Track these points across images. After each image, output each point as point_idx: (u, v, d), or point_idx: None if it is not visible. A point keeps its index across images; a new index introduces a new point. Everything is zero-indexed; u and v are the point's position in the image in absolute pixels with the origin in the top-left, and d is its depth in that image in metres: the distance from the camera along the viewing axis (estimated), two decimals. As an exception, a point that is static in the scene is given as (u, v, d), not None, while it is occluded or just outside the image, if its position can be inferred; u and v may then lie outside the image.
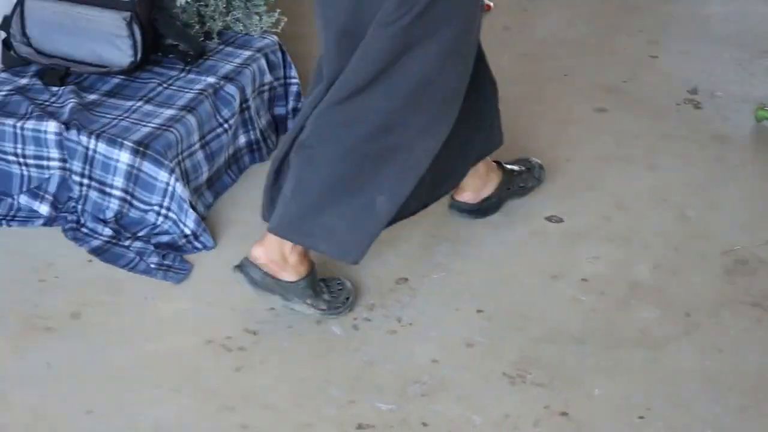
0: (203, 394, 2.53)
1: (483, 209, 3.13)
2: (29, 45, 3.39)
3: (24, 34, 3.39)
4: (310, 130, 2.65)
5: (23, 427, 2.44)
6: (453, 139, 2.73)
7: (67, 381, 2.57)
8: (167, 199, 3.06)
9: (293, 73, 3.60)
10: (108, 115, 3.18)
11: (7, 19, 3.40)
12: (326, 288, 2.77)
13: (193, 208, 3.06)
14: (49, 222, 3.12)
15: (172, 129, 3.12)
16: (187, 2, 3.48)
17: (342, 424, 2.45)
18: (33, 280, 2.91)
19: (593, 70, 4.02)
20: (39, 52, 3.39)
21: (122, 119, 3.17)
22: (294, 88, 3.60)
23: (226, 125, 3.29)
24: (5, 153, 3.16)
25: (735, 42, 4.24)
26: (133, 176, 3.06)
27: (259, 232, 2.84)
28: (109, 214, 3.09)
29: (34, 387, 2.55)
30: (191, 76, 3.38)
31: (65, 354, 2.65)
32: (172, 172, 3.05)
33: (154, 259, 2.96)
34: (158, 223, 3.08)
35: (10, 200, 3.17)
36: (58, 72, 3.34)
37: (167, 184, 3.05)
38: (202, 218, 3.09)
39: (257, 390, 2.55)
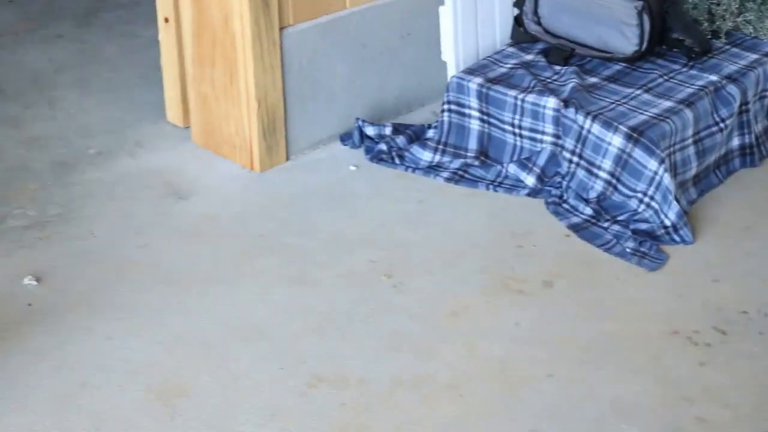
0: (663, 381, 2.50)
1: None
2: (539, 24, 3.50)
3: (535, 12, 3.50)
4: None
5: (489, 377, 2.53)
6: None
7: (532, 342, 2.63)
8: (652, 188, 3.05)
9: (798, 82, 3.47)
10: (606, 99, 3.22)
11: (522, -2, 3.54)
12: None
13: (677, 201, 3.03)
14: (532, 193, 3.21)
15: (668, 120, 3.10)
16: (699, -1, 3.47)
17: (805, 440, 2.34)
18: (512, 245, 3.00)
19: None
20: (547, 32, 3.49)
21: (619, 104, 3.19)
22: (796, 97, 3.47)
23: (722, 125, 3.23)
24: (503, 122, 3.28)
25: None
26: (622, 161, 3.08)
27: (741, 233, 2.75)
28: (592, 195, 3.13)
29: (501, 342, 2.63)
30: (693, 71, 3.34)
31: (534, 317, 2.72)
32: (662, 162, 3.03)
33: (630, 243, 2.96)
34: (639, 210, 3.07)
35: (499, 167, 3.29)
36: (563, 52, 3.42)
37: (655, 173, 3.03)
38: (684, 212, 3.04)
39: (719, 388, 2.48)
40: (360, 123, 3.47)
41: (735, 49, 3.45)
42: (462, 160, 3.32)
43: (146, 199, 3.22)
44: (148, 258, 2.96)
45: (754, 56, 3.41)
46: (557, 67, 3.38)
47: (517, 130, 3.26)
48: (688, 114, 3.15)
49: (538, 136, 3.24)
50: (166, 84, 3.57)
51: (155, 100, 3.74)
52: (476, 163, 3.32)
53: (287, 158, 3.41)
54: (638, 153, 3.05)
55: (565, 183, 3.17)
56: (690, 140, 3.16)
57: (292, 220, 3.14)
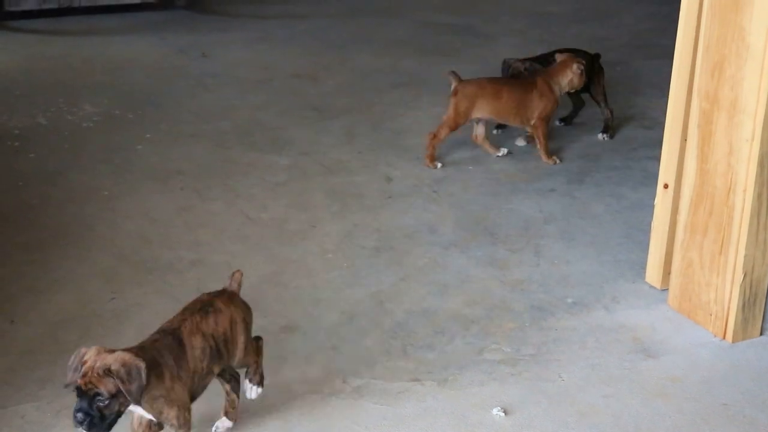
0: None
1: None
2: None
3: None
4: None
5: None
6: None
7: None
8: None
9: None
10: None
11: None
12: None
13: None
14: None
15: None
16: None
17: None
18: None
19: None
20: None
21: None
22: None
23: None
24: None
25: None
26: None
27: None
28: None
29: None
30: None
31: None
32: None
33: None
34: None
35: None
36: None
37: None
38: None
39: None
40: (841, 308, 3.39)
41: None
42: None
43: (615, 352, 3.33)
44: (610, 408, 3.05)
45: None
46: None
47: None
48: None
49: None
50: (652, 246, 3.69)
51: (636, 259, 3.88)
52: None
53: (761, 333, 3.39)
54: None
55: None
56: None
57: (758, 394, 3.11)
